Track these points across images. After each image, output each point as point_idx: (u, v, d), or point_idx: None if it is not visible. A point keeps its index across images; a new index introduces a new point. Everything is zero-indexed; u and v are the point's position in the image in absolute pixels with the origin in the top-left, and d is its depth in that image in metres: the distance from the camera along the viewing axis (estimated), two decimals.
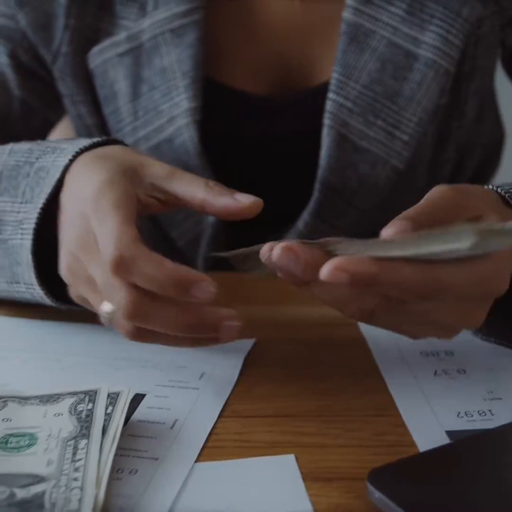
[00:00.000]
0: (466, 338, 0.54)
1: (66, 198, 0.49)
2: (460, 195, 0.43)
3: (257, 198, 0.46)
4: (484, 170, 0.87)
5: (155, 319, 0.42)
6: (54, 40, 0.72)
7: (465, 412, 0.44)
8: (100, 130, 0.75)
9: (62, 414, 0.42)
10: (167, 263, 0.41)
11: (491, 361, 0.51)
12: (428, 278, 0.37)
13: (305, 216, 0.71)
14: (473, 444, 0.39)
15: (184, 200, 0.48)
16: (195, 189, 0.47)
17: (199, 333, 0.43)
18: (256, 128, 0.74)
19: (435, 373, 0.49)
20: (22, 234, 0.51)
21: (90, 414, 0.41)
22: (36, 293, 0.52)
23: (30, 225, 0.51)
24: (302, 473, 0.38)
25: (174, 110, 0.70)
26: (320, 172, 0.70)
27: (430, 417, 0.44)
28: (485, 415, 0.44)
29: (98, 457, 0.37)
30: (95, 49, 0.72)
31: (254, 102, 0.73)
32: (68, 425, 0.40)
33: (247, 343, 0.53)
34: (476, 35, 0.70)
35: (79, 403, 0.42)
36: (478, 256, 0.38)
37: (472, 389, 0.47)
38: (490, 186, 0.50)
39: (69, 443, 0.39)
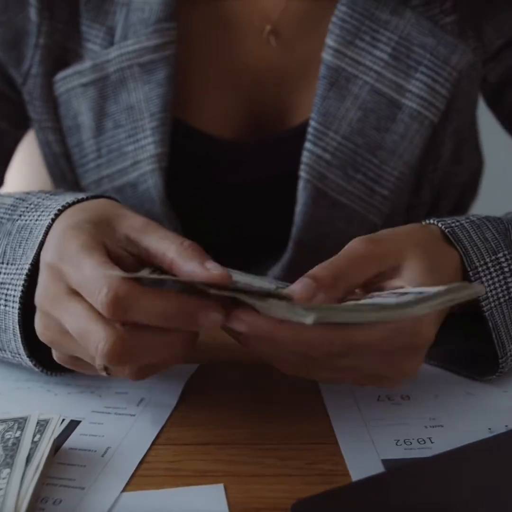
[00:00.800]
0: None
1: (42, 256, 0.46)
2: (372, 245, 0.44)
3: (227, 272, 0.40)
4: (462, 203, 0.82)
5: (146, 352, 0.40)
6: (24, 59, 0.68)
7: (404, 440, 0.44)
8: (67, 160, 0.71)
9: None
10: (169, 293, 0.39)
11: (437, 388, 0.50)
12: (333, 338, 0.39)
13: (276, 270, 0.68)
14: (404, 473, 0.39)
15: (156, 257, 0.43)
16: (167, 247, 0.42)
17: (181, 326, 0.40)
18: (225, 175, 0.70)
19: (378, 398, 0.49)
20: (6, 300, 0.48)
21: (17, 442, 0.40)
22: (25, 363, 0.49)
23: (15, 292, 0.47)
24: (229, 503, 0.38)
25: (139, 154, 0.66)
26: (295, 230, 0.65)
27: (368, 445, 0.43)
28: (424, 443, 0.43)
29: (18, 487, 0.37)
30: (60, 75, 0.68)
31: (224, 147, 0.69)
32: None
33: (191, 368, 0.52)
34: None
35: (7, 431, 0.41)
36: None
37: (414, 416, 0.46)
38: (432, 221, 0.49)
39: None
